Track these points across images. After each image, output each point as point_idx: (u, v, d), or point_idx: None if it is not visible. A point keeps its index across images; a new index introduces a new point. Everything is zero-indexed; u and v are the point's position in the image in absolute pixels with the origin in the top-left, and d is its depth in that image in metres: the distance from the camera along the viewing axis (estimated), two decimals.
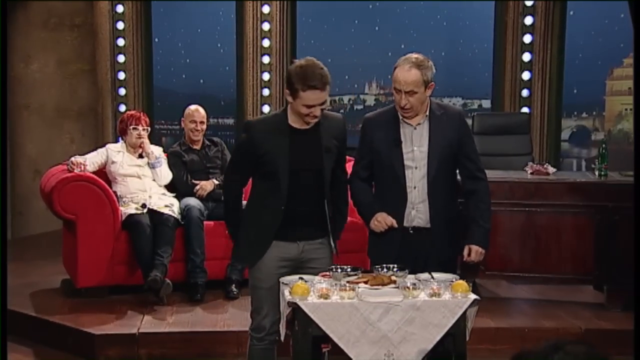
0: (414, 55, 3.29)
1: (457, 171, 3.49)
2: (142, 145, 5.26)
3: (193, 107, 5.43)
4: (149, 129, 5.39)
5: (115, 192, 5.11)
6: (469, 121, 6.33)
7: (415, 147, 3.34)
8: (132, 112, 5.51)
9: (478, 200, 3.44)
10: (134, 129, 5.27)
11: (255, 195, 3.30)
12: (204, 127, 5.41)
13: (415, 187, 3.34)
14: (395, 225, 3.34)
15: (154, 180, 5.26)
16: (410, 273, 3.15)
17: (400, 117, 3.36)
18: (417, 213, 3.35)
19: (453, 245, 3.44)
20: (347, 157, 3.49)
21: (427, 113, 3.36)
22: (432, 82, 3.30)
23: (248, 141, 3.22)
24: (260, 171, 3.24)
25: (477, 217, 3.43)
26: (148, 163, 5.26)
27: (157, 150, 5.37)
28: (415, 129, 3.35)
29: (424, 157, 3.33)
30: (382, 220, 3.34)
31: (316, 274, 3.16)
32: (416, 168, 3.33)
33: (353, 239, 5.00)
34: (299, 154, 3.19)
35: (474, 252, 3.40)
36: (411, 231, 3.36)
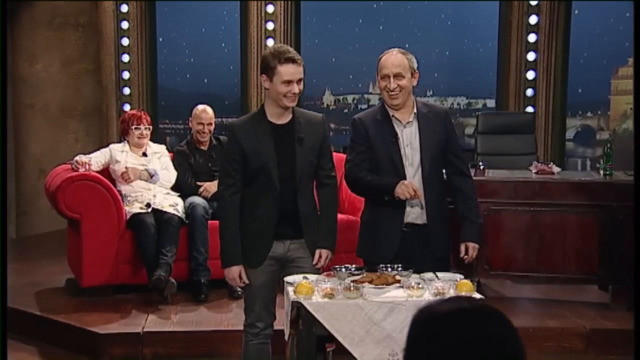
0: (393, 48, 3.43)
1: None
2: (126, 179, 5.11)
3: (200, 107, 5.40)
4: (151, 127, 5.38)
5: (119, 192, 5.12)
6: (473, 120, 6.36)
7: (407, 144, 3.37)
8: (133, 111, 5.48)
9: (466, 197, 3.46)
10: (135, 128, 5.26)
11: (248, 196, 3.27)
12: (212, 128, 5.40)
13: None
14: (419, 194, 3.27)
15: None
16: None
17: (391, 114, 3.39)
18: (411, 209, 3.37)
19: (448, 242, 3.46)
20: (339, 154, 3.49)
21: (415, 111, 3.40)
22: (417, 72, 3.39)
23: (233, 142, 3.26)
24: (249, 170, 3.23)
25: (467, 214, 3.44)
26: (151, 176, 5.21)
27: (156, 148, 5.38)
28: (405, 127, 3.39)
29: (417, 154, 3.36)
30: (407, 188, 3.23)
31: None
32: (410, 165, 3.36)
33: (353, 239, 5.00)
34: (279, 148, 3.22)
35: (470, 249, 3.41)
36: (404, 228, 3.37)
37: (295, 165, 3.22)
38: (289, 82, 3.15)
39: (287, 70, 3.15)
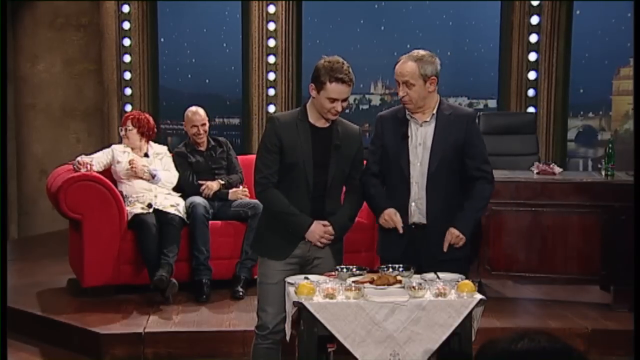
0: (417, 51, 3.36)
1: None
2: (134, 169, 5.17)
3: (193, 109, 5.39)
4: (133, 128, 5.27)
5: (121, 192, 5.12)
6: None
7: (420, 143, 3.37)
8: (128, 112, 5.48)
9: (473, 197, 3.39)
10: (122, 132, 5.30)
11: (281, 191, 3.31)
12: (206, 128, 5.39)
13: (416, 183, 3.37)
14: (400, 226, 3.34)
15: None
16: (416, 270, 3.17)
17: (408, 115, 3.39)
18: (416, 208, 3.37)
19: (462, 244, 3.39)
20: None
21: (435, 111, 3.38)
22: (434, 77, 3.31)
23: (272, 133, 3.30)
24: (283, 164, 3.29)
25: (466, 205, 3.38)
26: (152, 177, 5.22)
27: (158, 149, 5.38)
28: (421, 126, 3.38)
29: (427, 154, 3.35)
30: (389, 219, 3.36)
31: (320, 274, 3.19)
32: (419, 164, 3.36)
33: (359, 239, 5.02)
34: (316, 149, 3.28)
35: (448, 234, 3.34)
36: (413, 227, 3.38)
37: (329, 169, 3.29)
38: (334, 99, 3.21)
39: (334, 89, 3.20)
